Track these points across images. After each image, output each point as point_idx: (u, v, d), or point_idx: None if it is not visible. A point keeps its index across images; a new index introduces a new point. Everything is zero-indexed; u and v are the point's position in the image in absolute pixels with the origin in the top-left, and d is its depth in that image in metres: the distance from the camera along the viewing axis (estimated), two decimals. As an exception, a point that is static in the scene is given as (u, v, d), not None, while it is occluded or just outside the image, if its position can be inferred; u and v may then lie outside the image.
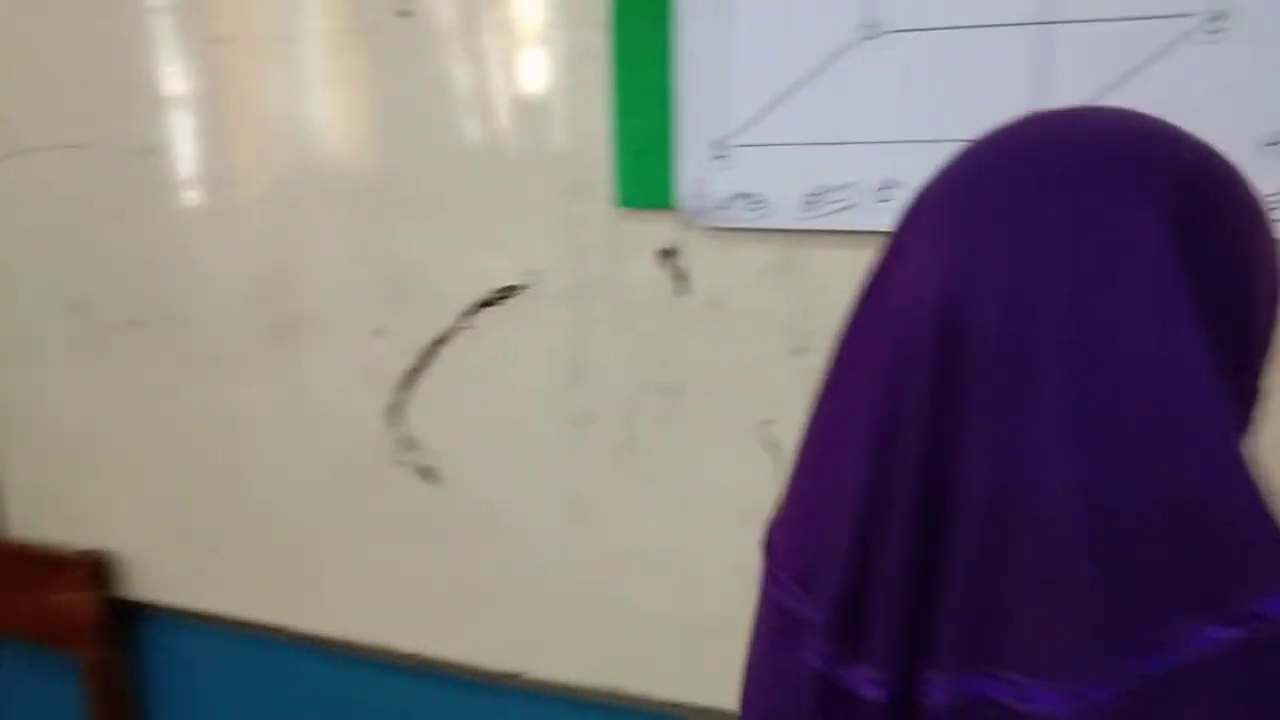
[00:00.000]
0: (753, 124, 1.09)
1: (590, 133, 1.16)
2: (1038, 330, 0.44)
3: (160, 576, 1.59)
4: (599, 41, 1.13)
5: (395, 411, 1.34)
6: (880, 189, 1.05)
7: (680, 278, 1.17)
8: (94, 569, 1.58)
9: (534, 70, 1.18)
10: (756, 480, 1.14)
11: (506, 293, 1.25)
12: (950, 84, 1.00)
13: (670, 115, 1.12)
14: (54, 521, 1.65)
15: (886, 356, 0.51)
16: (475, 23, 1.19)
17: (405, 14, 1.22)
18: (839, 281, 1.08)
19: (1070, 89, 0.95)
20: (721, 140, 1.10)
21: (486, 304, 1.27)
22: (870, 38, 1.02)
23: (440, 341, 1.30)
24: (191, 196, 1.42)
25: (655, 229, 1.16)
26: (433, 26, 1.22)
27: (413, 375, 1.33)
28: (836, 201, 1.07)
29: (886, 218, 1.07)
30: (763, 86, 1.08)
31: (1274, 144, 0.90)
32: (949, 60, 0.99)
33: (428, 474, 1.35)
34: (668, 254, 1.17)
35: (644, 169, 1.15)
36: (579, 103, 1.17)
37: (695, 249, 1.15)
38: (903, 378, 0.48)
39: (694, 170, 1.12)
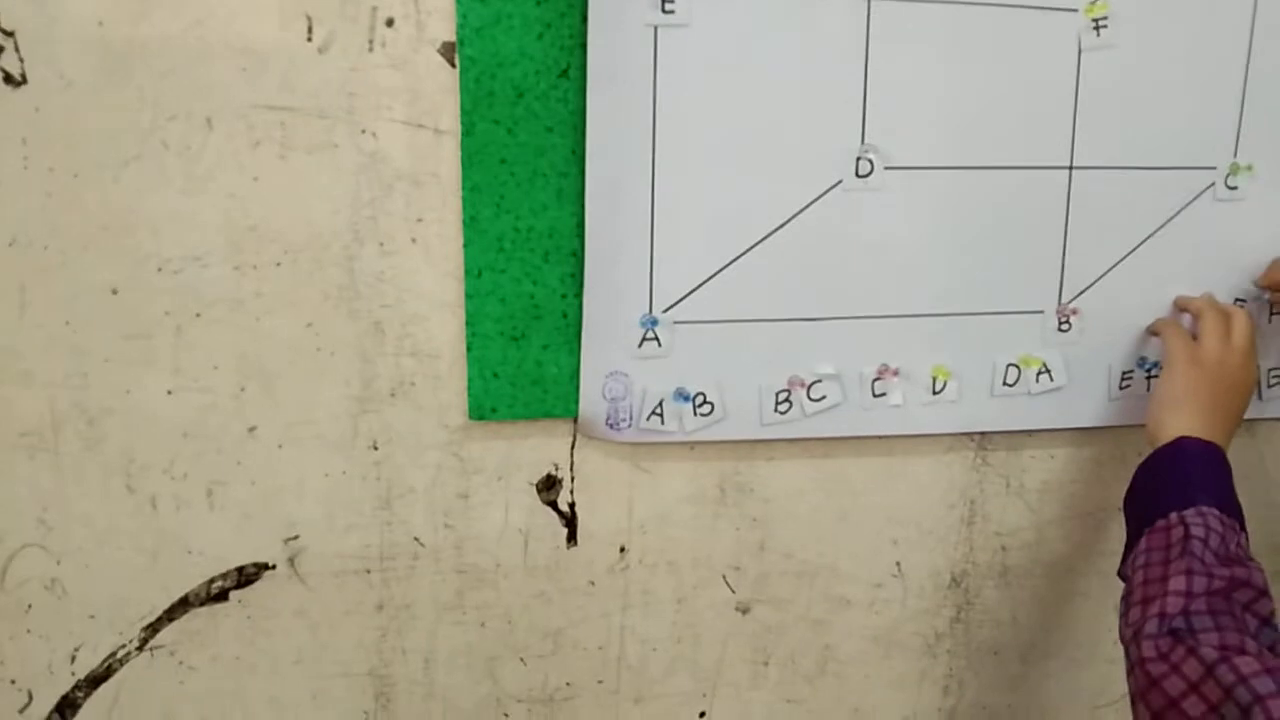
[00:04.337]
0: (703, 292, 0.74)
1: (417, 299, 0.71)
2: None
3: None
4: (445, 151, 0.69)
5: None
6: (875, 380, 0.78)
7: (567, 522, 0.78)
8: None
9: (308, 176, 0.69)
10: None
11: (236, 582, 0.74)
12: (961, 234, 0.77)
13: (569, 275, 0.72)
14: None
15: None
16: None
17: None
18: (801, 508, 0.80)
19: (1088, 238, 0.78)
20: (655, 317, 0.74)
21: (207, 600, 0.74)
22: (865, 174, 0.74)
23: (106, 672, 0.74)
24: None
25: (531, 452, 0.75)
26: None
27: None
28: (814, 400, 0.78)
29: (882, 420, 0.80)
30: (719, 236, 0.74)
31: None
32: (959, 204, 0.76)
33: None
34: (551, 488, 0.77)
35: (518, 361, 0.73)
36: (393, 245, 0.70)
37: (597, 478, 0.76)
38: None
39: (608, 360, 0.74)
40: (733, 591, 0.80)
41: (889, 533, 0.82)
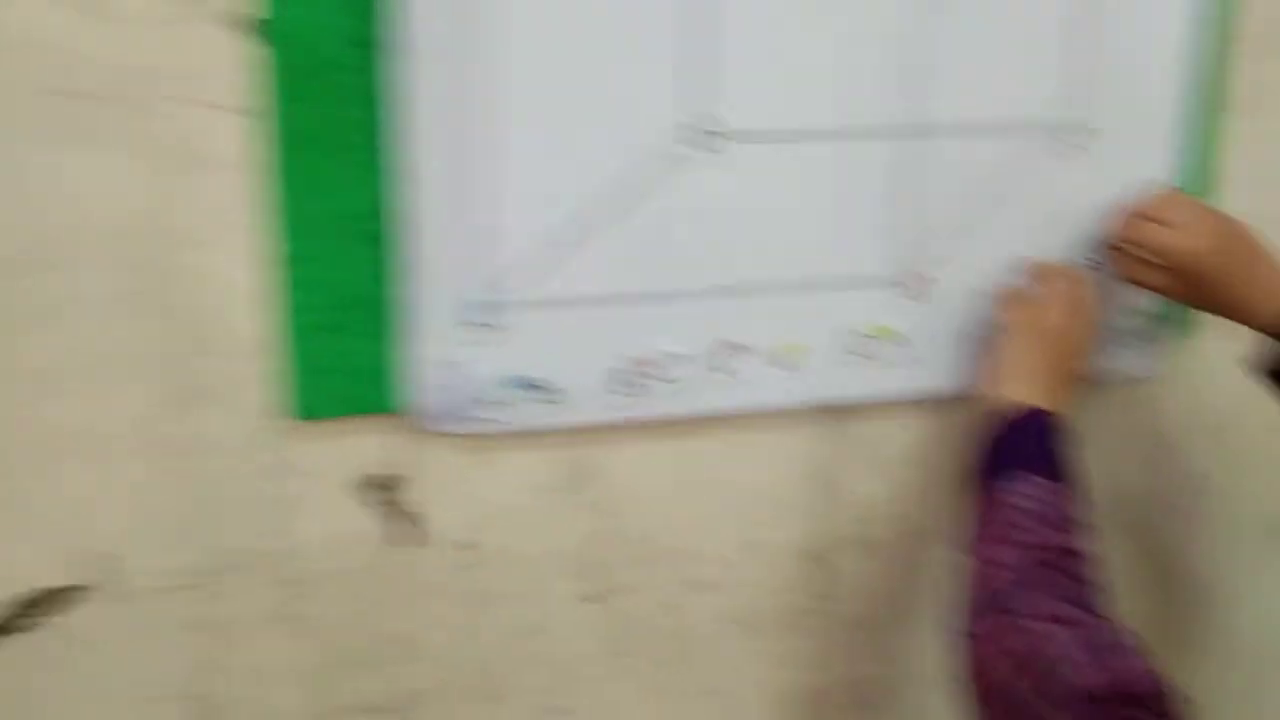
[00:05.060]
0: (536, 270, 0.70)
1: (223, 293, 0.65)
2: None
3: None
4: (246, 132, 0.63)
5: None
6: (724, 356, 0.75)
7: (405, 522, 0.73)
8: None
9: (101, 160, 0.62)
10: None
11: (46, 605, 0.68)
12: (808, 202, 0.75)
13: (389, 258, 0.67)
14: None
15: None
16: None
17: None
18: (652, 491, 0.78)
19: (936, 203, 0.77)
20: (486, 299, 0.70)
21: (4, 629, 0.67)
22: (707, 148, 0.71)
23: None
24: None
25: (359, 450, 0.70)
26: None
27: None
28: (661, 381, 0.75)
29: (731, 396, 0.79)
30: (552, 212, 0.70)
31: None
32: (805, 172, 0.74)
33: None
34: (384, 487, 0.72)
35: (338, 353, 0.68)
36: (194, 237, 0.63)
37: (434, 474, 0.72)
38: None
39: (436, 348, 0.69)
40: (585, 582, 0.78)
41: (747, 511, 0.80)
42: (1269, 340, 0.71)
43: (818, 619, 0.84)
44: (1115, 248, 0.76)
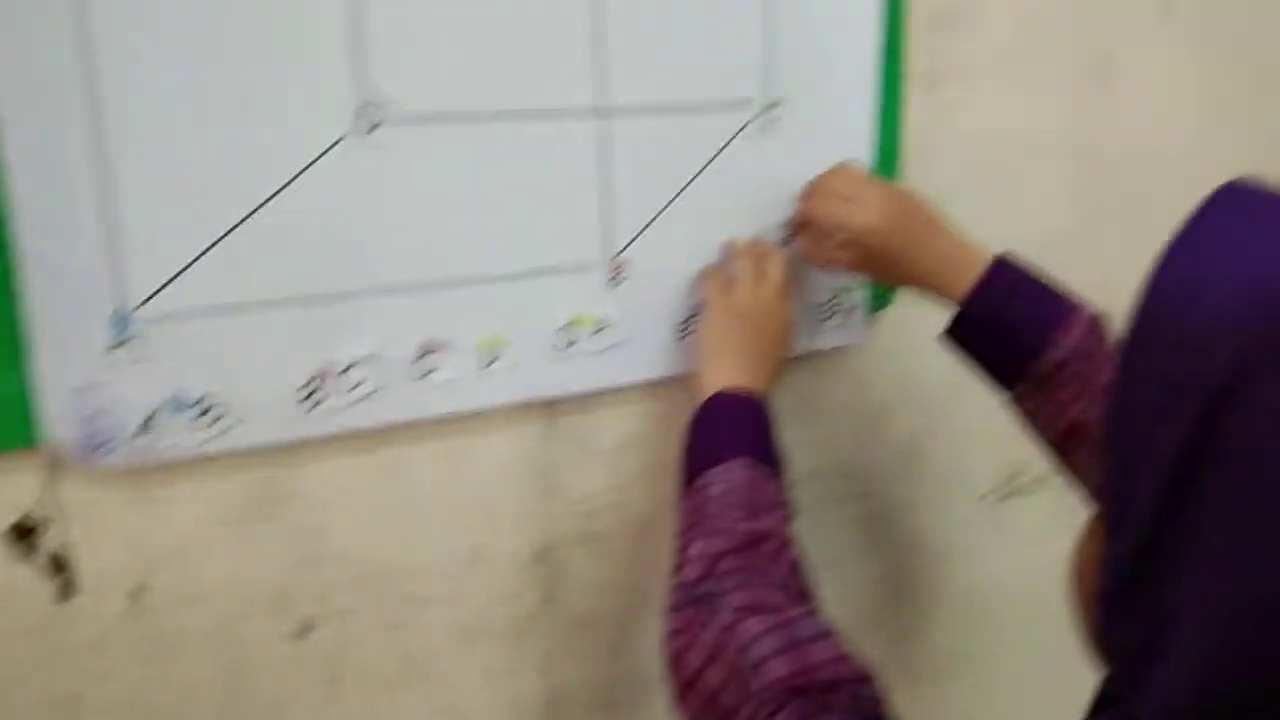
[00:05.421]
0: (186, 276, 0.62)
1: None
2: None
3: None
4: None
5: None
6: (419, 357, 0.71)
7: (57, 571, 0.64)
8: None
9: None
10: None
11: None
12: (494, 190, 0.71)
13: (14, 275, 0.57)
14: None
15: None
16: None
17: None
18: (357, 509, 0.72)
19: (629, 186, 0.75)
20: (130, 314, 0.61)
21: None
22: (370, 130, 0.65)
23: None
24: None
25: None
26: None
27: None
28: (350, 389, 0.69)
29: (432, 400, 0.76)
30: (204, 210, 0.62)
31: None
32: (487, 157, 0.70)
33: None
34: (23, 534, 0.63)
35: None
36: None
37: (90, 514, 0.63)
38: None
39: (70, 373, 0.60)
40: (286, 614, 0.71)
41: (462, 518, 0.76)
42: (958, 311, 0.74)
43: (547, 622, 0.81)
44: (802, 225, 0.78)
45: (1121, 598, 0.40)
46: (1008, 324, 0.69)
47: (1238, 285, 0.35)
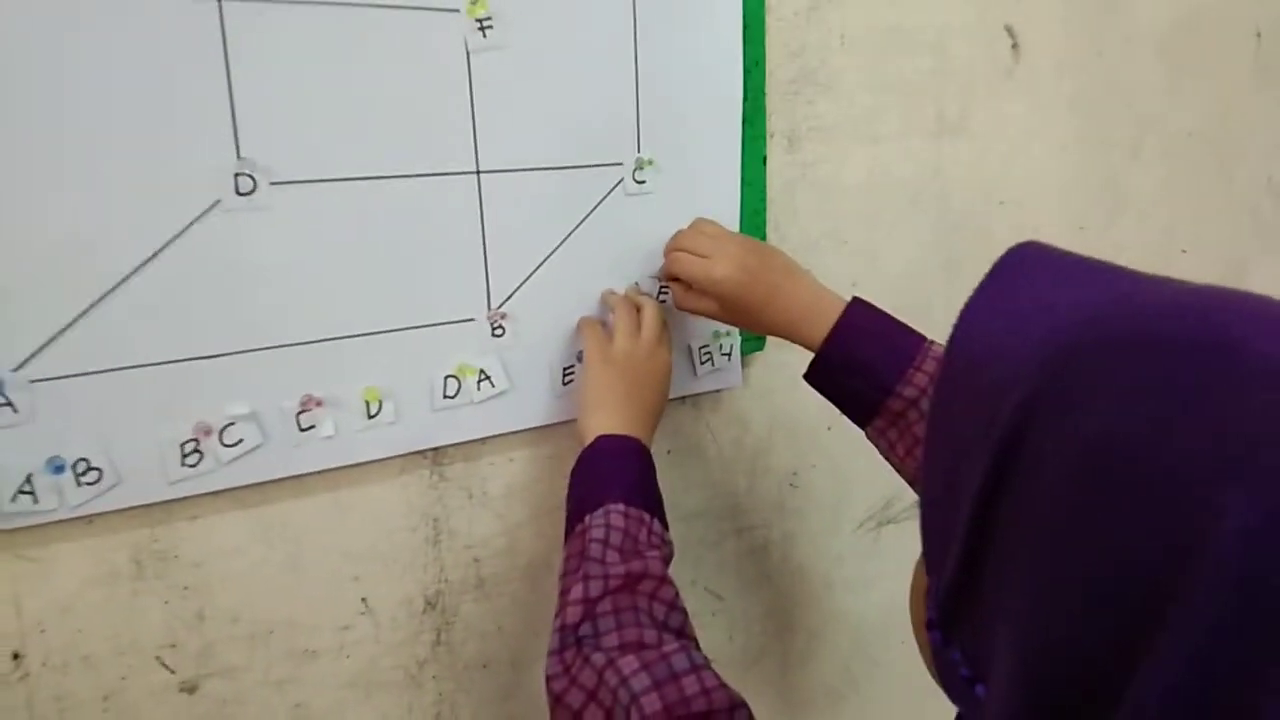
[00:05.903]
0: (62, 338, 0.63)
1: None
2: None
3: None
4: None
5: None
6: (300, 411, 0.72)
7: (-70, 638, 0.63)
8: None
9: None
10: None
11: None
12: (373, 248, 0.73)
13: None
14: None
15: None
16: None
17: None
18: (243, 565, 0.73)
19: (508, 241, 0.78)
20: (1, 375, 0.61)
21: None
22: (246, 193, 0.67)
23: None
24: None
25: None
26: None
27: None
28: (230, 446, 0.70)
29: (315, 454, 0.78)
30: (77, 273, 0.63)
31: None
32: (365, 217, 0.72)
33: None
34: (-107, 604, 0.62)
35: None
36: None
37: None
38: None
39: (-60, 440, 0.60)
40: (172, 672, 0.71)
41: (349, 570, 0.77)
42: (816, 354, 0.79)
43: (439, 666, 0.83)
44: (669, 278, 0.82)
45: (944, 628, 0.44)
46: (862, 364, 0.74)
47: (1021, 344, 0.39)
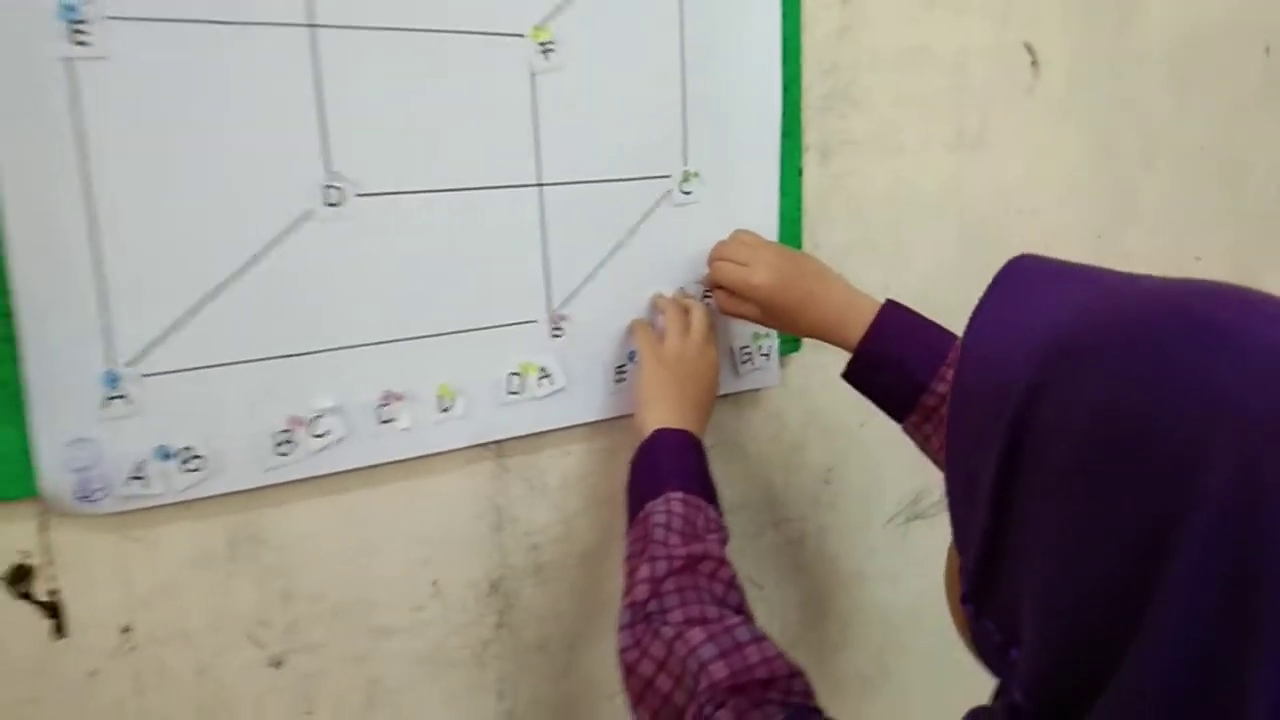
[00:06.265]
0: (170, 336, 0.69)
1: None
2: None
3: None
4: None
5: None
6: (380, 405, 0.78)
7: (51, 612, 0.69)
8: None
9: None
10: None
11: None
12: (445, 255, 0.79)
13: (12, 337, 0.64)
14: None
15: None
16: None
17: None
18: (324, 548, 0.79)
19: (566, 249, 0.84)
20: (117, 371, 0.68)
21: None
22: (335, 203, 0.74)
23: None
24: None
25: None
26: None
27: None
28: (318, 437, 0.76)
29: (393, 445, 0.84)
30: (184, 278, 0.69)
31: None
32: (438, 226, 0.79)
33: None
34: (20, 577, 0.68)
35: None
36: None
37: (81, 558, 0.69)
38: None
39: (63, 427, 0.66)
40: (261, 648, 0.77)
41: (420, 554, 0.83)
42: (854, 353, 0.84)
43: (501, 647, 0.88)
44: (712, 284, 0.88)
45: (977, 601, 0.48)
46: (897, 361, 0.79)
47: (1024, 340, 0.44)
